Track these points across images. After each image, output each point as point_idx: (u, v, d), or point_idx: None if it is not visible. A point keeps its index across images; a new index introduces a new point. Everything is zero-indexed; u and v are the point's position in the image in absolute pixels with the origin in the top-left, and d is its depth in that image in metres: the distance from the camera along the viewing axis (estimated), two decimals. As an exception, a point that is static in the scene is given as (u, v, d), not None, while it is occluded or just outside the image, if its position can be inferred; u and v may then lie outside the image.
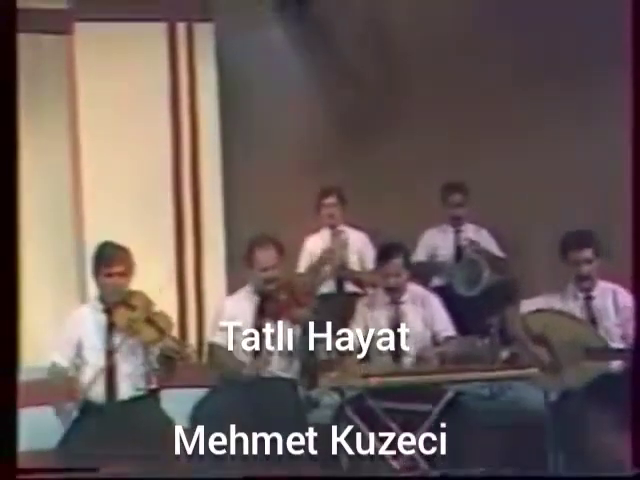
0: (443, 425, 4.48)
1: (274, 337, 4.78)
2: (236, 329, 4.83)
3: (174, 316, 6.17)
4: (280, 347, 4.81)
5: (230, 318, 4.89)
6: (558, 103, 6.64)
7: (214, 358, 4.89)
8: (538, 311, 4.77)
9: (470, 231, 6.34)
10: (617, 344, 4.69)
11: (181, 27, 6.50)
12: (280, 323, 4.79)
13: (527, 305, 4.82)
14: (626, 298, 4.71)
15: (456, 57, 6.78)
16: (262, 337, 4.74)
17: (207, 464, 4.25)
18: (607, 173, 6.21)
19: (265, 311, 4.83)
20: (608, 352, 4.63)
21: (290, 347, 4.81)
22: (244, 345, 4.77)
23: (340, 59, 6.90)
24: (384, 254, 5.00)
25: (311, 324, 4.76)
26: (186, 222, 6.57)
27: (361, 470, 4.43)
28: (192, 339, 6.33)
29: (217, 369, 4.86)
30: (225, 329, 4.82)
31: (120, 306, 4.53)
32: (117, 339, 4.50)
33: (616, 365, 4.62)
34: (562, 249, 4.82)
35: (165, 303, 4.66)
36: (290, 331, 4.81)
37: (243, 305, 4.91)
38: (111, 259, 4.54)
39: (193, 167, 6.54)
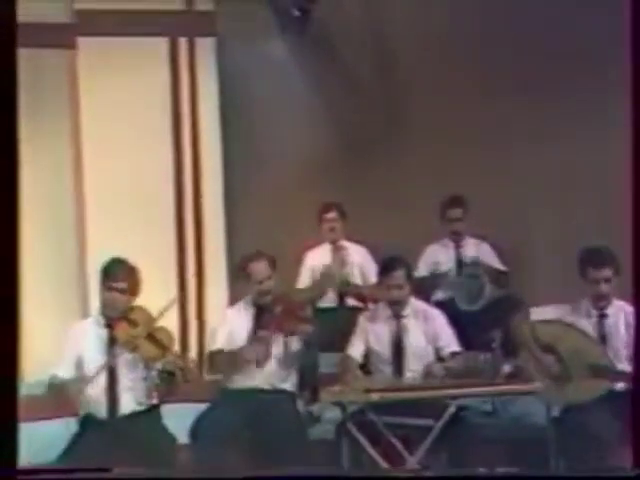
0: (445, 440, 4.50)
1: (270, 349, 4.80)
2: (234, 339, 4.86)
3: (175, 330, 6.17)
4: (277, 359, 4.82)
5: (229, 327, 4.93)
6: (557, 114, 6.62)
7: (214, 365, 4.90)
8: (549, 321, 4.74)
9: (471, 245, 6.32)
10: (624, 365, 4.64)
11: (183, 41, 6.48)
12: (276, 335, 4.80)
13: (537, 313, 4.78)
14: (633, 316, 4.60)
15: (457, 72, 6.75)
16: (258, 348, 4.77)
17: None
18: (609, 184, 6.19)
19: (261, 323, 4.83)
20: (614, 373, 4.59)
21: (288, 359, 4.81)
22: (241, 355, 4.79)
23: (342, 73, 6.88)
24: (386, 267, 4.98)
25: (311, 338, 4.77)
26: (188, 237, 6.54)
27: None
28: (193, 353, 6.29)
29: (217, 376, 4.88)
30: (224, 336, 4.88)
31: (121, 321, 4.52)
32: (118, 354, 4.48)
33: (621, 386, 4.58)
34: (581, 266, 4.74)
35: (166, 317, 4.62)
36: (287, 343, 4.81)
37: (241, 316, 4.93)
38: (115, 274, 4.53)
39: (194, 181, 6.51)
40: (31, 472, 3.54)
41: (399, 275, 4.90)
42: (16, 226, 3.42)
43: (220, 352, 4.87)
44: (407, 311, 4.97)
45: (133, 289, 4.55)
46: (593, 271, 4.70)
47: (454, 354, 4.89)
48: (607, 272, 4.68)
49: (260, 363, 4.78)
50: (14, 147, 3.32)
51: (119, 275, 4.53)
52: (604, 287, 4.70)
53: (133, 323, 4.50)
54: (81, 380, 4.46)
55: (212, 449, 4.56)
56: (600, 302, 4.74)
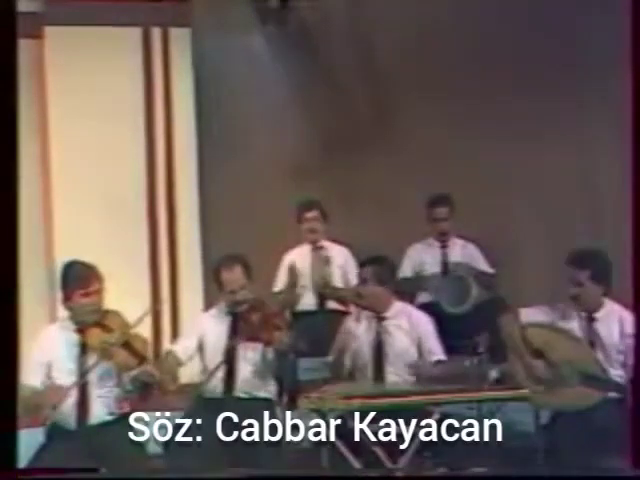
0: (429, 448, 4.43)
1: (247, 357, 4.74)
2: (208, 346, 4.79)
3: (148, 335, 6.05)
4: (254, 367, 4.75)
5: (202, 334, 4.83)
6: (545, 115, 6.64)
7: (166, 364, 4.78)
8: (540, 325, 4.65)
9: (457, 246, 6.25)
10: (616, 372, 4.57)
11: (156, 32, 6.39)
12: (253, 343, 4.72)
13: (526, 314, 4.69)
14: (631, 324, 4.53)
15: (441, 70, 6.75)
16: (234, 357, 4.70)
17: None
18: (599, 185, 6.19)
19: (237, 331, 4.74)
20: (607, 382, 4.51)
21: (264, 367, 4.75)
22: (216, 365, 4.71)
23: (324, 67, 6.83)
24: (365, 264, 4.98)
25: (289, 345, 4.70)
26: (161, 238, 6.46)
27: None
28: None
29: (168, 376, 4.76)
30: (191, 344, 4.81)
31: (94, 327, 4.38)
32: (89, 360, 4.35)
33: (613, 395, 4.50)
34: (563, 268, 4.67)
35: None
36: (264, 351, 4.74)
37: (216, 323, 4.84)
38: (87, 278, 4.39)
39: (168, 179, 6.44)
40: (30, 472, 3.66)
41: (379, 270, 4.88)
42: (16, 225, 3.41)
43: (172, 353, 4.80)
44: (391, 311, 4.92)
45: (103, 287, 4.42)
46: (572, 274, 4.63)
47: (438, 362, 4.86)
48: (581, 275, 4.61)
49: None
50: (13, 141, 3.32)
51: (90, 277, 4.39)
52: (572, 290, 4.61)
53: (107, 329, 4.36)
54: (54, 393, 4.33)
55: (187, 459, 4.43)
56: (579, 305, 4.65)
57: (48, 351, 4.43)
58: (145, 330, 5.69)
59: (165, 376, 4.47)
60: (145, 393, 4.32)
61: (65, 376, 4.36)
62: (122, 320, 4.42)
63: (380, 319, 4.90)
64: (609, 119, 6.24)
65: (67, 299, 4.43)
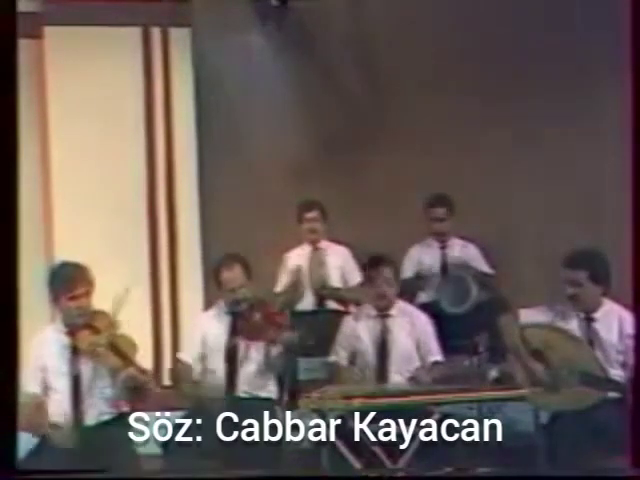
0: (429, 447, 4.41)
1: (248, 356, 4.74)
2: (209, 347, 4.79)
3: (148, 335, 6.06)
4: (255, 367, 4.75)
5: (203, 334, 4.84)
6: (545, 115, 6.62)
7: (177, 375, 4.85)
8: (539, 325, 4.63)
9: (456, 246, 6.26)
10: (616, 371, 4.55)
11: (156, 32, 6.37)
12: (254, 342, 4.74)
13: (526, 315, 4.68)
14: (631, 324, 4.50)
15: (441, 70, 6.73)
16: (235, 357, 4.70)
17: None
18: (599, 185, 6.16)
19: (238, 331, 4.75)
20: (606, 382, 4.49)
21: (265, 367, 4.75)
22: (216, 365, 4.71)
23: (324, 67, 6.81)
24: (375, 262, 5.00)
25: (290, 343, 4.72)
26: (161, 238, 6.44)
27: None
28: (167, 359, 6.20)
29: (180, 387, 4.84)
30: (194, 346, 4.81)
31: (83, 329, 4.36)
32: (81, 362, 4.34)
33: (612, 394, 4.47)
34: (560, 268, 4.66)
35: (139, 322, 4.45)
36: (265, 351, 4.75)
37: (216, 323, 4.85)
38: (74, 280, 4.35)
39: (168, 179, 6.42)
40: (29, 473, 3.64)
41: (388, 271, 4.94)
42: (16, 225, 3.41)
43: (185, 363, 4.80)
44: (393, 311, 4.96)
45: (92, 288, 4.39)
46: (570, 274, 4.61)
47: (436, 363, 4.91)
48: (579, 275, 4.58)
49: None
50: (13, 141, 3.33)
51: (77, 279, 4.35)
52: (569, 290, 4.59)
53: (95, 329, 4.35)
54: (46, 390, 4.35)
55: (187, 459, 4.45)
56: (577, 305, 4.63)
57: (43, 354, 4.41)
58: (145, 330, 5.71)
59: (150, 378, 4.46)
60: (137, 395, 4.32)
61: (58, 379, 4.35)
62: (109, 320, 4.38)
63: (384, 317, 4.93)
64: (609, 119, 6.23)
65: (55, 302, 4.41)
